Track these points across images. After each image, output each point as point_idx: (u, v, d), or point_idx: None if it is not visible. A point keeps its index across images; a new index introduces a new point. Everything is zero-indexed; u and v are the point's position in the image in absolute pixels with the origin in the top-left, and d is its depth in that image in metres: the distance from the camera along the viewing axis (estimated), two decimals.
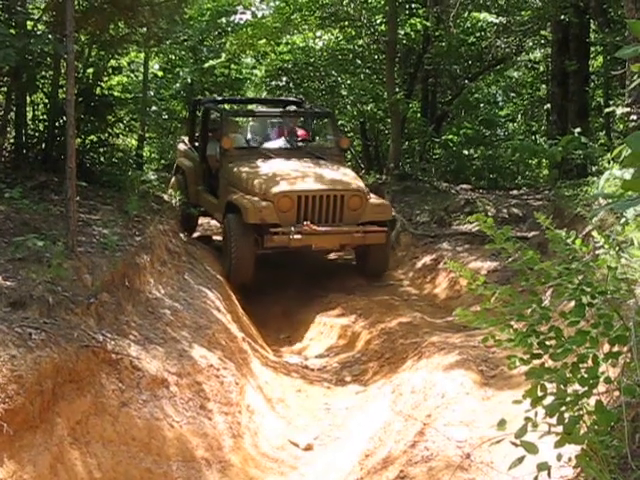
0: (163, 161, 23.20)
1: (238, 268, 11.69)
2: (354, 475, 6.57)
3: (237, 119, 15.18)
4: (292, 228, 11.50)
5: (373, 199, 12.37)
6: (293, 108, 14.84)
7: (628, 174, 2.88)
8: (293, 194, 11.73)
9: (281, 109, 14.83)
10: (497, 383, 6.85)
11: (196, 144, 14.73)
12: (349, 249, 13.39)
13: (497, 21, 19.87)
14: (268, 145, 13.54)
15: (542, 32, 21.36)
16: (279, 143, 13.55)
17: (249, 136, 14.04)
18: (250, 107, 18.35)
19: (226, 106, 16.51)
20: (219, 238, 14.73)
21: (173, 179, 15.29)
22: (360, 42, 22.17)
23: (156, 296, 8.74)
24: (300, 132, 14.12)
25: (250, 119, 15.27)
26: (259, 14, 19.78)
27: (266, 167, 12.55)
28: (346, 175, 12.63)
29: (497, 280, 10.65)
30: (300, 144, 13.60)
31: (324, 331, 11.06)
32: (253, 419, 7.84)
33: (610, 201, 3.37)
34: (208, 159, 13.86)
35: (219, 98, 17.58)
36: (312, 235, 11.66)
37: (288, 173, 12.30)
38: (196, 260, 11.25)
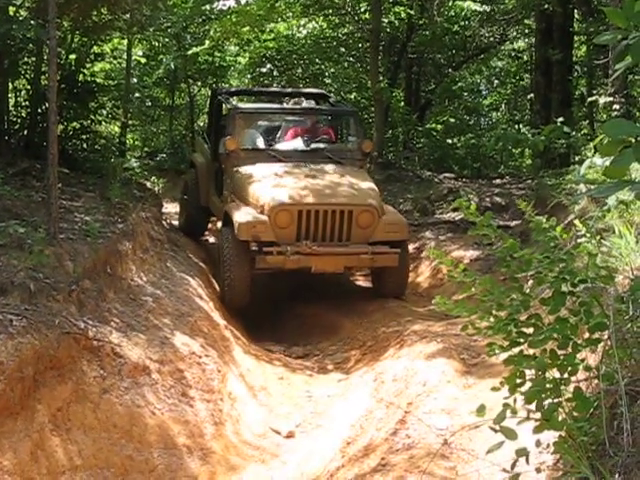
0: (146, 148, 23.14)
1: (232, 291, 10.48)
2: (335, 462, 6.58)
3: (250, 114, 13.02)
4: (288, 248, 10.27)
5: (387, 215, 10.94)
6: (313, 104, 13.34)
7: (609, 162, 2.89)
8: (293, 208, 10.45)
9: (300, 106, 13.04)
10: (478, 371, 6.88)
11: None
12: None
13: (481, 10, 19.91)
14: (282, 146, 12.09)
15: (526, 21, 21.43)
16: (295, 144, 12.09)
17: (260, 136, 12.33)
18: (260, 98, 17.13)
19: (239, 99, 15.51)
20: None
21: (187, 175, 14.33)
22: (344, 30, 22.20)
23: (138, 283, 8.73)
24: (323, 130, 12.65)
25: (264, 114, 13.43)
26: (242, 1, 19.68)
27: (270, 174, 11.15)
28: (360, 186, 11.11)
29: (479, 269, 10.71)
30: (319, 145, 12.09)
31: (307, 320, 11.05)
32: (235, 407, 7.83)
33: (592, 187, 3.40)
34: (220, 157, 12.34)
35: (235, 89, 16.58)
36: (312, 256, 10.37)
37: (293, 182, 10.93)
38: (178, 247, 11.23)
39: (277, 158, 11.58)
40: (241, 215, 10.54)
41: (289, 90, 15.92)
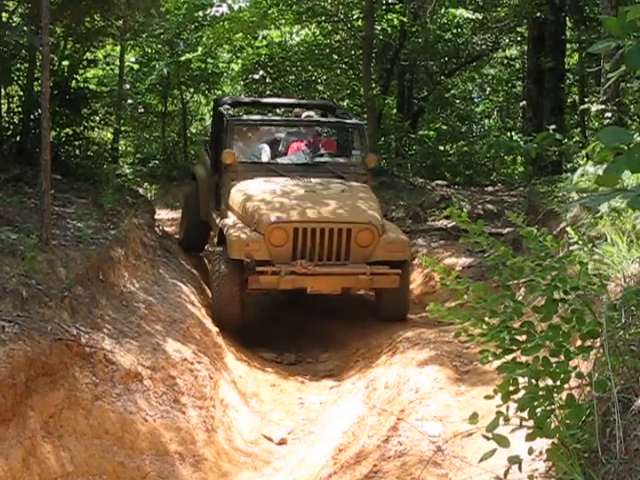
0: (139, 155, 23.13)
1: (222, 311, 9.91)
2: (327, 470, 6.57)
3: (249, 126, 12.39)
4: (282, 268, 9.72)
5: (388, 234, 10.32)
6: (314, 116, 12.57)
7: (601, 170, 2.90)
8: (288, 226, 9.88)
9: (301, 119, 12.35)
10: (471, 378, 6.88)
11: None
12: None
13: (473, 17, 19.94)
14: (283, 160, 11.47)
15: (518, 29, 21.50)
16: (296, 157, 11.47)
17: (260, 148, 11.76)
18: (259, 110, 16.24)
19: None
20: None
21: (188, 187, 13.77)
22: (337, 37, 22.20)
23: (130, 290, 8.71)
24: (326, 143, 11.95)
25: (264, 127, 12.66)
26: (235, 7, 19.70)
27: (267, 189, 10.61)
28: (360, 203, 10.52)
29: (472, 276, 10.71)
30: (321, 159, 11.49)
31: (299, 327, 11.04)
32: (227, 413, 7.83)
33: (584, 196, 3.40)
34: (219, 170, 11.50)
35: (239, 99, 15.59)
36: (307, 276, 9.80)
37: (289, 198, 10.39)
38: (171, 254, 11.21)
39: (277, 172, 11.06)
40: (234, 232, 10.03)
41: (294, 101, 15.28)
